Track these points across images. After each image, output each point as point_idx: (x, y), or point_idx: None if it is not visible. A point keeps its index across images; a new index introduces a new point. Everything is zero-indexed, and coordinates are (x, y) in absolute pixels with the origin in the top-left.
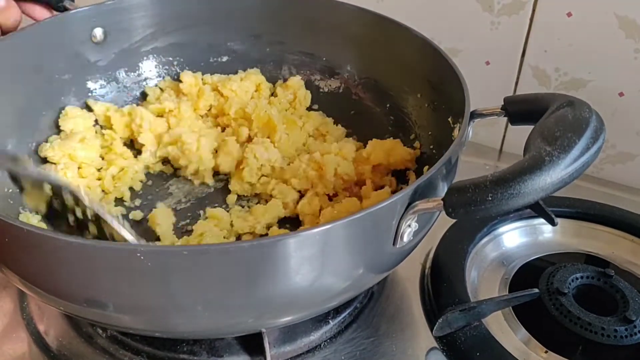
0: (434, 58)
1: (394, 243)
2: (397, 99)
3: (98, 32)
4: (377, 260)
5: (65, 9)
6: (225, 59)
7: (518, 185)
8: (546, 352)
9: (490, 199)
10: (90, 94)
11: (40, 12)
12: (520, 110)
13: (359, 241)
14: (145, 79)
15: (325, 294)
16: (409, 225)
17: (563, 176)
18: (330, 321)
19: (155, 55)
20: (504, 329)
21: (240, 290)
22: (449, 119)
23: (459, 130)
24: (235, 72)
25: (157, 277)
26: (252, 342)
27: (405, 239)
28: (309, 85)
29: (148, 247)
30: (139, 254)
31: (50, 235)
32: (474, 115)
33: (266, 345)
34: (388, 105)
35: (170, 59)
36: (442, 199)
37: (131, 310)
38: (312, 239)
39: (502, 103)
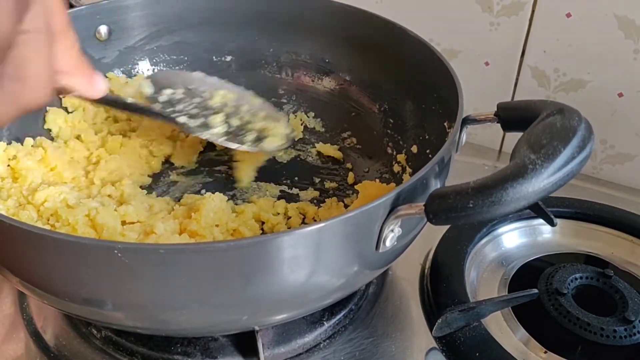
0: (431, 61)
1: (377, 248)
2: (394, 101)
3: (103, 30)
4: (361, 263)
5: (71, 6)
6: (229, 58)
7: (499, 193)
8: (545, 352)
9: (471, 206)
10: None
11: None
12: (512, 116)
13: (341, 245)
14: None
15: (313, 294)
16: (392, 230)
17: (546, 185)
18: (325, 322)
19: (158, 54)
20: (504, 330)
21: (223, 288)
22: (445, 123)
23: None
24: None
25: (136, 274)
26: (246, 343)
27: (388, 243)
28: (307, 86)
29: (125, 244)
30: (116, 251)
31: (27, 229)
32: (467, 121)
33: (259, 346)
34: (386, 107)
35: (174, 57)
36: (424, 205)
37: (119, 307)
38: (290, 241)
39: (496, 109)
